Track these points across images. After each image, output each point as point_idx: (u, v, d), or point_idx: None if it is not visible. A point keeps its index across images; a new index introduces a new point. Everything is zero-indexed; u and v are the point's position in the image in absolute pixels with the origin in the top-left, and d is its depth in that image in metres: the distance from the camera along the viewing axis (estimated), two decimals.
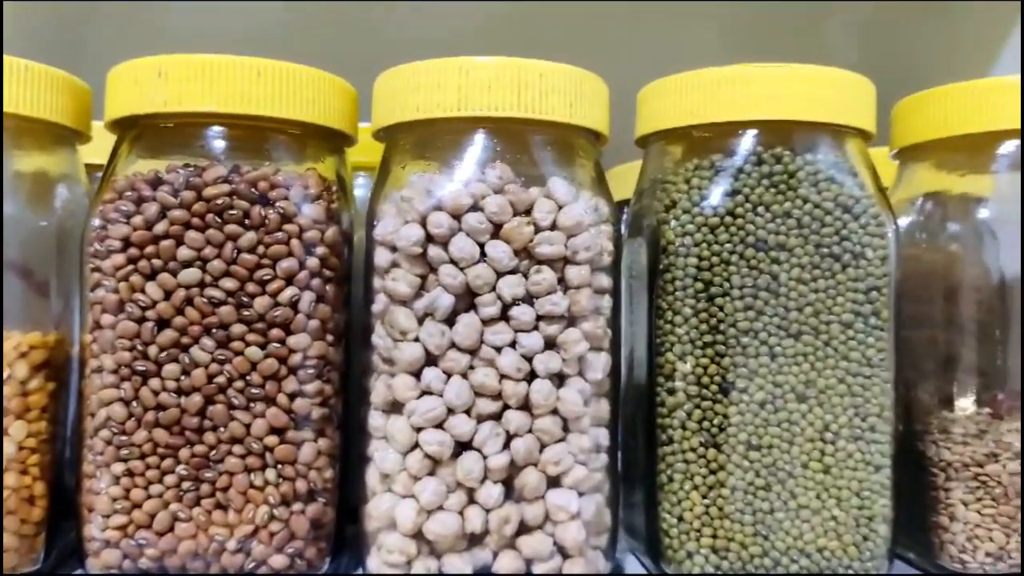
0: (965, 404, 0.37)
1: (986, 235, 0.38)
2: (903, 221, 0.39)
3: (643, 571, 0.36)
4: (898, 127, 0.40)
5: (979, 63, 0.56)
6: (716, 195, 0.34)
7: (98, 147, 0.37)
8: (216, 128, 0.33)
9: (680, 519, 0.34)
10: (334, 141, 0.36)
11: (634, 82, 0.38)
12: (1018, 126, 0.36)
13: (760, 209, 0.34)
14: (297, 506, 0.33)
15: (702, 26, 0.64)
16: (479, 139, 0.33)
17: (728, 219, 0.34)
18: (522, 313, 0.32)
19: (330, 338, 0.34)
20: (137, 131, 0.34)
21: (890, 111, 0.40)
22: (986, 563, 0.36)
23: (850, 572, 0.34)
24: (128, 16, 0.59)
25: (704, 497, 0.34)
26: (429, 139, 0.34)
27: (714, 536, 0.34)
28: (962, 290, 0.38)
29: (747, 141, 0.35)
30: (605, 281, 0.34)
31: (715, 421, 0.34)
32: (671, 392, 0.34)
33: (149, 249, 0.32)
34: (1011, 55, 0.54)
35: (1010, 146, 0.37)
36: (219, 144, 0.34)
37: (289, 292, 0.33)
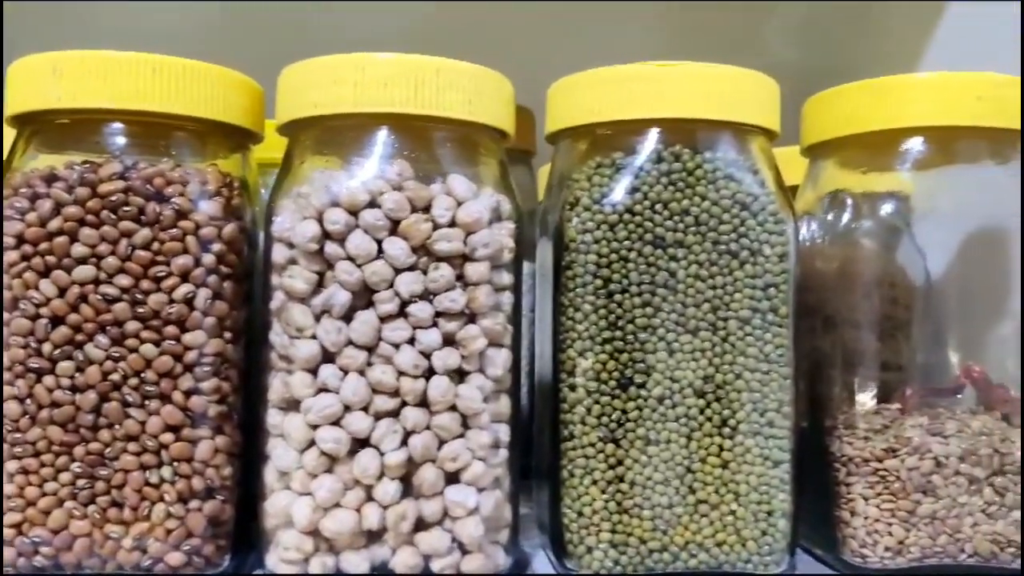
0: (868, 399, 0.38)
1: (892, 232, 0.39)
2: (810, 218, 0.39)
3: (549, 567, 0.37)
4: (806, 124, 0.40)
5: (906, 60, 0.56)
6: (616, 193, 0.35)
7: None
8: (113, 125, 0.33)
9: (580, 514, 0.34)
10: (237, 138, 0.36)
11: None
12: (921, 123, 0.37)
13: (659, 207, 0.34)
14: (194, 503, 0.33)
15: (645, 27, 0.64)
16: (378, 136, 0.33)
17: (627, 216, 0.34)
18: (420, 310, 0.32)
19: (228, 335, 0.34)
20: (34, 127, 0.34)
21: None
22: (885, 557, 0.36)
23: (749, 567, 0.35)
24: (58, 15, 0.59)
25: (603, 492, 0.34)
26: (329, 135, 0.34)
27: (613, 531, 0.34)
28: (868, 286, 0.38)
29: (649, 139, 0.35)
30: (505, 278, 0.34)
31: (614, 416, 0.34)
32: (572, 388, 0.35)
33: (43, 246, 0.32)
34: (935, 51, 0.55)
35: (915, 143, 0.37)
36: (117, 141, 0.33)
37: (184, 289, 0.32)
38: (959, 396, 0.39)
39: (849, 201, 0.39)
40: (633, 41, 0.63)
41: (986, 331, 0.41)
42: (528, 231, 0.38)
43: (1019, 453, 0.36)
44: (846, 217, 0.38)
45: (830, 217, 0.39)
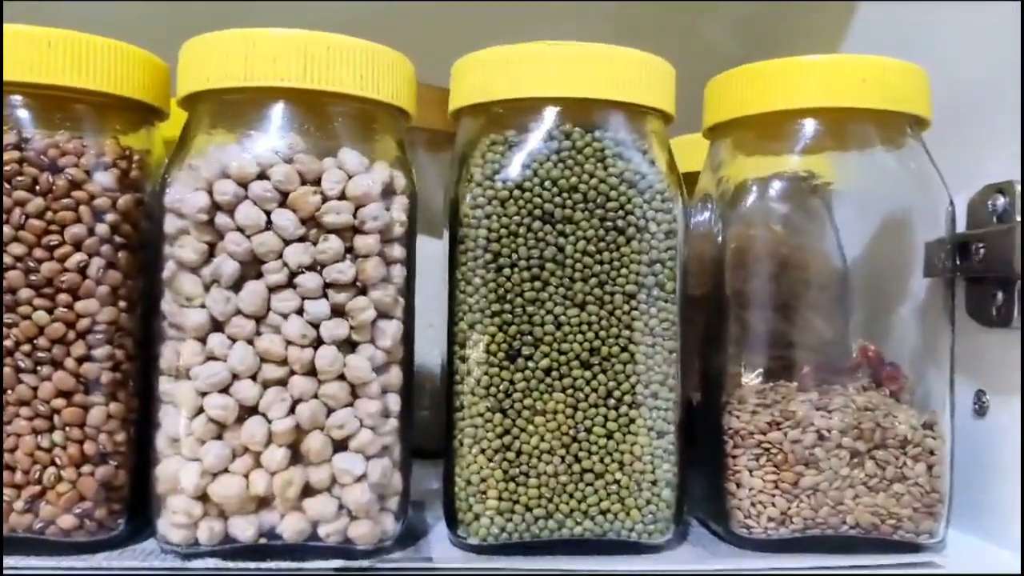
0: (758, 375, 0.39)
1: (787, 213, 0.40)
2: (707, 199, 0.40)
3: (446, 537, 0.37)
4: (707, 106, 0.41)
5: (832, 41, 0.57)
6: (509, 169, 0.35)
7: None
8: (12, 97, 0.34)
9: (469, 482, 0.35)
10: (140, 113, 0.37)
11: None
12: (807, 105, 0.38)
13: (548, 183, 0.35)
14: (86, 468, 0.34)
15: (587, 21, 0.65)
16: (272, 110, 0.34)
17: (517, 192, 0.35)
18: (308, 280, 0.33)
19: (123, 304, 0.34)
20: None
21: None
22: (769, 528, 0.37)
23: (633, 535, 0.36)
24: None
25: (491, 461, 0.35)
26: (224, 109, 0.35)
27: (500, 498, 0.35)
28: (761, 266, 0.39)
29: (543, 118, 0.36)
30: (397, 251, 0.35)
31: (502, 387, 0.35)
32: (463, 360, 0.35)
33: None
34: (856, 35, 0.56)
35: (804, 124, 0.38)
36: (16, 113, 0.34)
37: (77, 257, 0.33)
38: (858, 376, 0.40)
39: (743, 182, 0.39)
40: (572, 29, 0.63)
41: (885, 312, 0.42)
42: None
43: (901, 428, 0.37)
44: (740, 199, 0.39)
45: (725, 198, 0.40)
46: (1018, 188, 0.38)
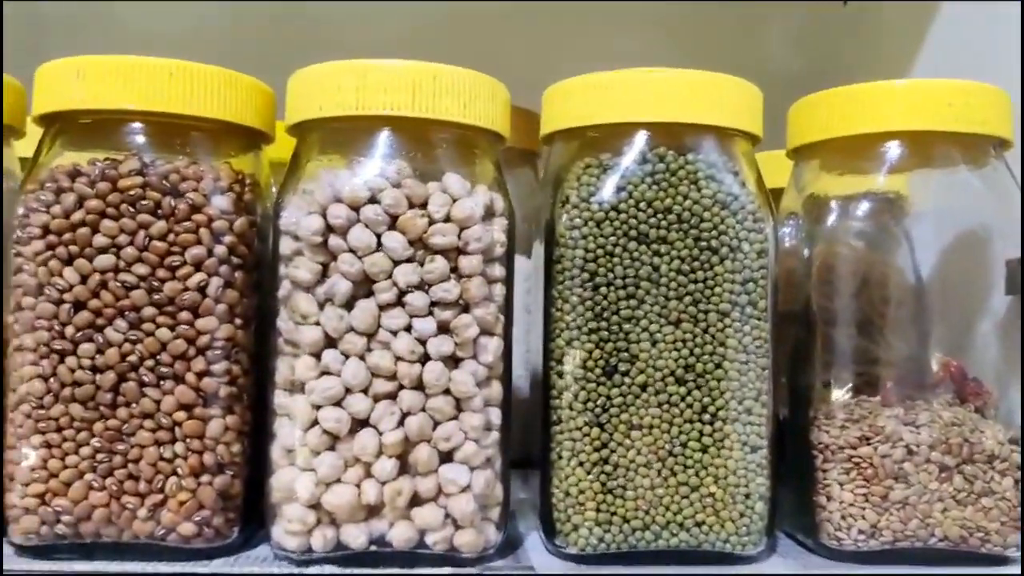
0: (846, 392, 0.40)
1: (872, 232, 0.41)
2: (793, 218, 0.41)
3: (542, 547, 0.39)
4: (791, 128, 0.42)
5: (901, 62, 0.58)
6: (604, 191, 0.37)
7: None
8: (132, 124, 0.36)
9: (567, 494, 0.37)
10: (249, 138, 0.38)
11: None
12: (896, 128, 0.38)
13: (643, 205, 0.36)
14: (205, 478, 0.35)
15: (644, 32, 0.66)
16: (379, 137, 0.36)
17: (613, 214, 0.36)
18: (416, 299, 0.35)
19: (239, 321, 0.36)
20: (59, 126, 0.36)
21: None
22: (859, 540, 0.38)
23: (727, 546, 0.37)
24: (77, 18, 0.62)
25: (589, 473, 0.36)
26: (333, 136, 0.36)
27: (598, 510, 0.36)
28: (848, 284, 0.40)
29: (635, 141, 0.37)
30: (498, 271, 0.36)
31: (599, 402, 0.36)
32: (560, 375, 0.37)
33: (67, 236, 0.34)
34: (928, 55, 0.56)
35: (890, 147, 0.39)
36: (136, 139, 0.36)
37: (197, 277, 0.35)
38: (939, 391, 0.41)
39: (830, 202, 0.40)
40: (631, 45, 0.65)
41: (966, 328, 0.42)
42: (531, 228, 0.40)
43: (988, 443, 0.38)
44: (827, 217, 0.40)
45: (812, 217, 0.41)
46: None
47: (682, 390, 0.36)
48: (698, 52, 0.66)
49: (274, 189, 0.40)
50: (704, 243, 0.36)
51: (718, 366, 0.36)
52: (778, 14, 0.68)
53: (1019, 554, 0.38)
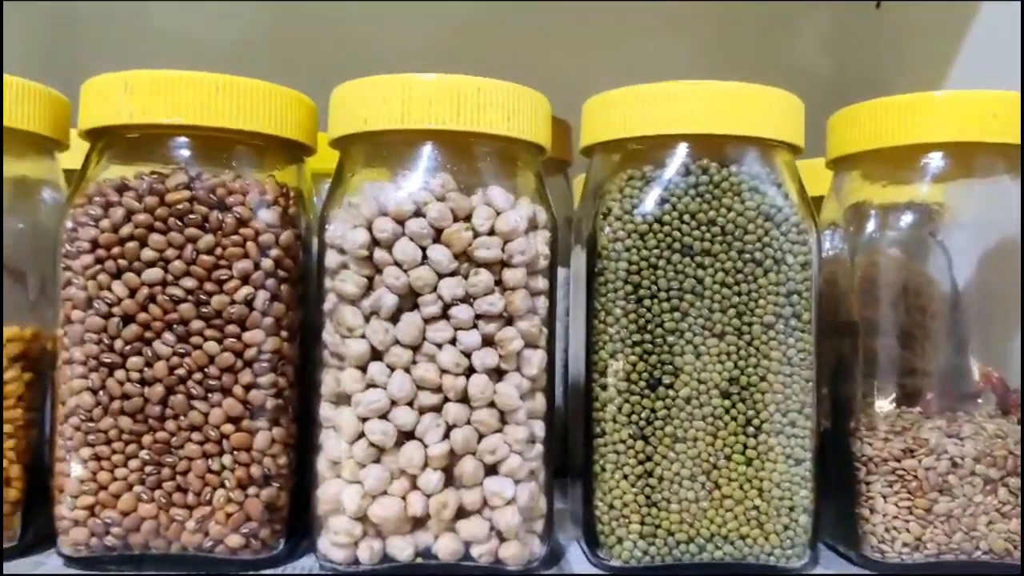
0: (888, 402, 0.39)
1: (913, 242, 0.41)
2: (834, 228, 0.41)
3: (583, 559, 0.39)
4: (831, 139, 0.42)
5: (937, 67, 0.58)
6: (647, 203, 0.37)
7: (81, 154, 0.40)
8: (178, 138, 0.36)
9: (611, 506, 0.37)
10: (292, 151, 0.39)
11: None
12: (940, 139, 0.38)
13: (687, 217, 0.36)
14: (252, 490, 0.35)
15: (673, 39, 0.66)
16: (423, 150, 0.36)
17: (657, 226, 0.36)
18: (461, 312, 0.35)
19: (285, 334, 0.36)
20: (106, 140, 0.37)
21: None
22: (903, 553, 0.38)
23: (772, 559, 0.37)
24: (115, 29, 0.63)
25: (633, 486, 0.36)
26: (377, 149, 0.37)
27: (642, 523, 0.36)
28: (890, 294, 0.40)
29: (677, 153, 0.37)
30: (541, 283, 0.36)
31: (643, 415, 0.36)
32: (603, 387, 0.37)
33: (115, 250, 0.35)
34: (967, 56, 0.56)
35: (934, 158, 0.39)
36: (182, 153, 0.36)
37: (245, 291, 0.35)
38: (979, 401, 0.41)
39: (872, 212, 0.40)
40: (661, 53, 0.65)
41: (1006, 338, 0.42)
42: (564, 238, 0.40)
43: None
44: (869, 228, 0.40)
45: (853, 228, 0.40)
46: None
47: (726, 403, 0.36)
48: (727, 56, 0.66)
49: (316, 200, 0.41)
50: (748, 255, 0.36)
51: (762, 378, 0.36)
52: (809, 17, 0.68)
53: None
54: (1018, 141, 0.38)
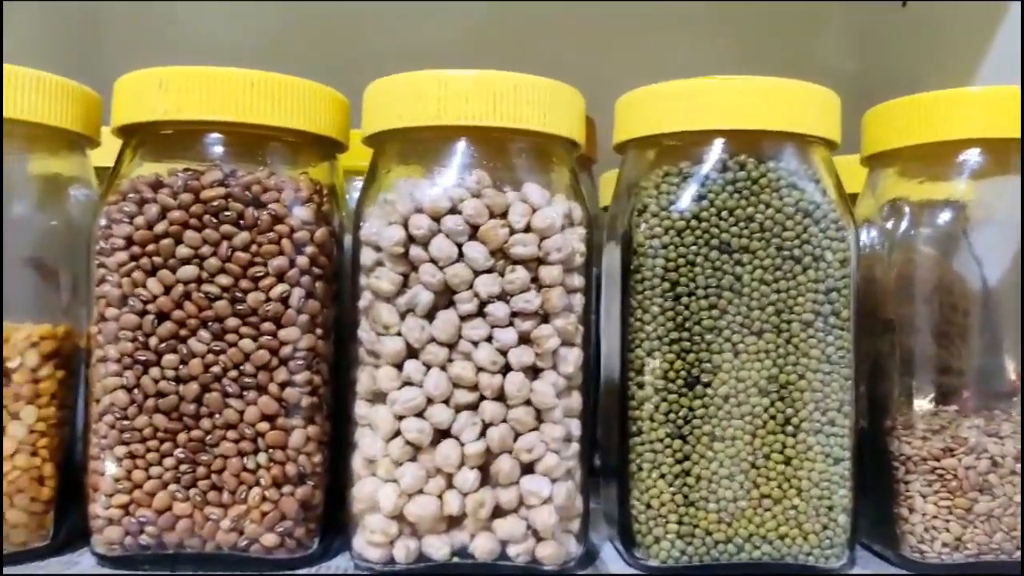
0: (926, 401, 0.39)
1: (949, 239, 0.40)
2: (870, 225, 0.41)
3: (617, 558, 0.38)
4: (866, 135, 0.42)
5: (966, 65, 0.57)
6: (683, 200, 0.36)
7: (111, 151, 0.40)
8: (213, 135, 0.36)
9: (648, 506, 0.36)
10: (325, 147, 0.38)
11: None
12: (976, 136, 0.38)
13: (724, 213, 0.36)
14: (287, 488, 0.35)
15: (702, 37, 0.66)
16: (459, 146, 0.35)
17: (694, 223, 0.36)
18: (497, 310, 0.34)
19: (319, 332, 0.36)
20: (140, 137, 0.36)
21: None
22: (943, 553, 0.37)
23: (811, 559, 0.36)
24: (140, 26, 0.63)
25: (671, 485, 0.36)
26: (412, 146, 0.36)
27: (680, 522, 0.36)
28: (926, 292, 0.39)
29: (714, 149, 0.37)
30: (577, 280, 0.36)
31: (681, 414, 0.36)
32: (640, 386, 0.36)
33: (150, 247, 0.35)
34: (997, 55, 0.56)
35: (970, 154, 0.39)
36: (217, 150, 0.36)
37: (280, 288, 0.35)
38: (1015, 399, 0.40)
39: (907, 209, 0.40)
40: (686, 52, 0.65)
41: None
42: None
43: None
44: (905, 224, 0.40)
45: (889, 224, 0.40)
46: None
47: (765, 401, 0.36)
48: (752, 56, 0.66)
49: (349, 198, 0.41)
50: (787, 252, 0.36)
51: (801, 377, 0.36)
52: (835, 15, 0.68)
53: None
54: None
